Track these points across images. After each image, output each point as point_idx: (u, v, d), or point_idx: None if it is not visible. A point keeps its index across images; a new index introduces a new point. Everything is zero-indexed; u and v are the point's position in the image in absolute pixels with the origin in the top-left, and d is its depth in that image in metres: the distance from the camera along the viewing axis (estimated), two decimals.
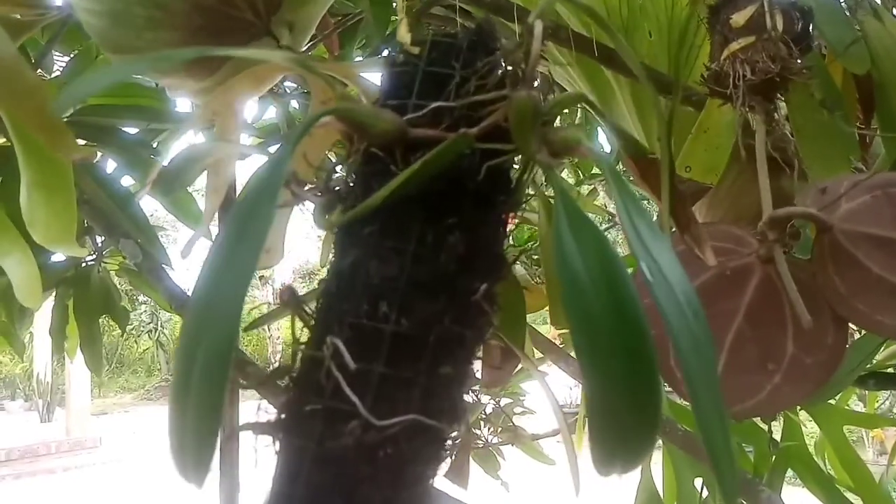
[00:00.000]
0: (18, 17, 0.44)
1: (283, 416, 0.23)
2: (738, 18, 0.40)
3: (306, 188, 0.25)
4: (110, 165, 0.90)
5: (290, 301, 0.24)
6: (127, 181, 0.89)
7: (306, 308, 0.24)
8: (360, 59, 1.02)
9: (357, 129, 0.22)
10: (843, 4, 0.71)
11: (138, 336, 8.83)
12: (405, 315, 0.21)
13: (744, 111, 0.39)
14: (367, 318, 0.21)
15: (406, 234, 0.22)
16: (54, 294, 0.98)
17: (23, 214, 0.49)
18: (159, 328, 8.64)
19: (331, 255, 0.23)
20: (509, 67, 0.22)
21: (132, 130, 0.89)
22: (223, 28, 0.45)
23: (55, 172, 0.51)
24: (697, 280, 0.39)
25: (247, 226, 0.19)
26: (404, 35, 0.23)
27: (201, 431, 0.17)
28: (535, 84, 0.22)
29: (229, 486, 0.75)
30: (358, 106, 0.22)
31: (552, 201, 0.29)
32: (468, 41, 0.24)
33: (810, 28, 0.42)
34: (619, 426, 0.18)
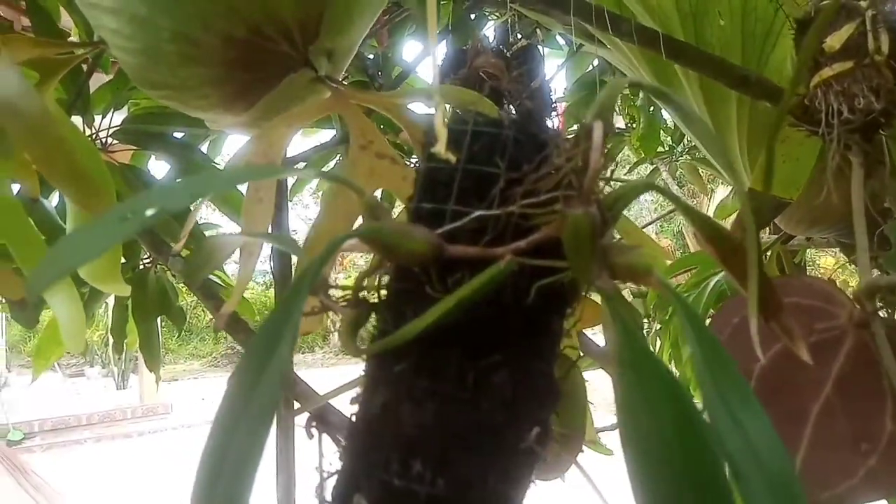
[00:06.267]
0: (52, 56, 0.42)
1: None
2: (833, 41, 0.34)
3: (336, 298, 0.22)
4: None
5: (319, 428, 0.22)
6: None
7: (338, 436, 0.22)
8: (412, 60, 0.98)
9: (385, 251, 0.19)
10: None
11: None
12: (441, 474, 0.18)
13: (838, 152, 0.34)
14: (397, 476, 0.18)
15: (443, 373, 0.19)
16: (114, 295, 1.00)
17: None
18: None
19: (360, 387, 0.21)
20: (565, 175, 0.19)
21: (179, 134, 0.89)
22: (258, 61, 0.42)
23: (100, 202, 0.50)
24: (777, 345, 0.34)
25: (260, 376, 0.16)
26: (440, 134, 0.19)
27: None
28: (595, 197, 0.18)
29: (286, 481, 0.75)
30: (385, 225, 0.19)
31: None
32: (514, 133, 0.21)
33: None
34: None
